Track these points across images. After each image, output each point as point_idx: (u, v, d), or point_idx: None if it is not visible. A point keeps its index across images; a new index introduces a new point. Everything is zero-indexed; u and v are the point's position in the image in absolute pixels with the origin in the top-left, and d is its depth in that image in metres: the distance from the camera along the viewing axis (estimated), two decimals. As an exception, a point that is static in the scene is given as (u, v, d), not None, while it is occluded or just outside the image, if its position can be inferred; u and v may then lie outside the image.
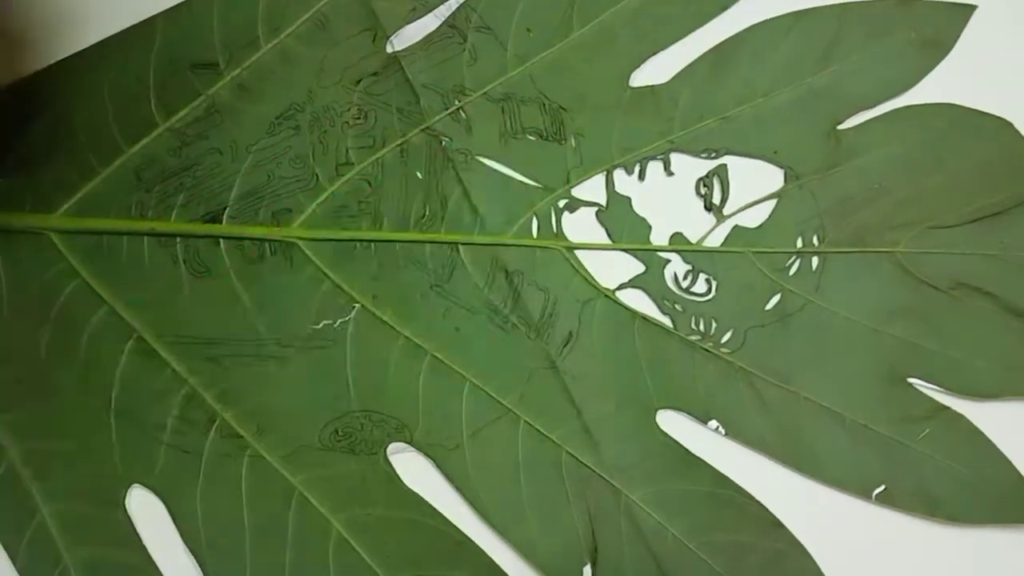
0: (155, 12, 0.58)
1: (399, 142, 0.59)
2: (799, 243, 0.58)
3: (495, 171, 0.59)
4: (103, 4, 0.59)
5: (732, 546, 0.55)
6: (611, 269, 0.59)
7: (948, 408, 0.56)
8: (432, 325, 0.58)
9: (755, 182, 0.59)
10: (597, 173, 0.59)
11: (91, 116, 0.58)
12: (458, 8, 0.60)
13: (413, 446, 0.57)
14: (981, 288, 0.57)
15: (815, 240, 0.58)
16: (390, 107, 0.59)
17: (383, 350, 0.57)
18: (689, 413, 0.57)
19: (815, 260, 0.58)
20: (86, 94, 0.58)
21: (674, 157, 0.59)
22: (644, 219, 0.59)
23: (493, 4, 0.60)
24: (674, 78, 0.59)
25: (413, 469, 0.57)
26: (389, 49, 0.59)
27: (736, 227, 0.59)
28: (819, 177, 0.58)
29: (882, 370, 0.57)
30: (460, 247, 0.58)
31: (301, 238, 0.58)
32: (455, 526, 0.55)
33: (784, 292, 0.58)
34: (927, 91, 0.59)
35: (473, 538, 0.55)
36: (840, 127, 0.59)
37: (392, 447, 0.57)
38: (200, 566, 0.55)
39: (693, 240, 0.59)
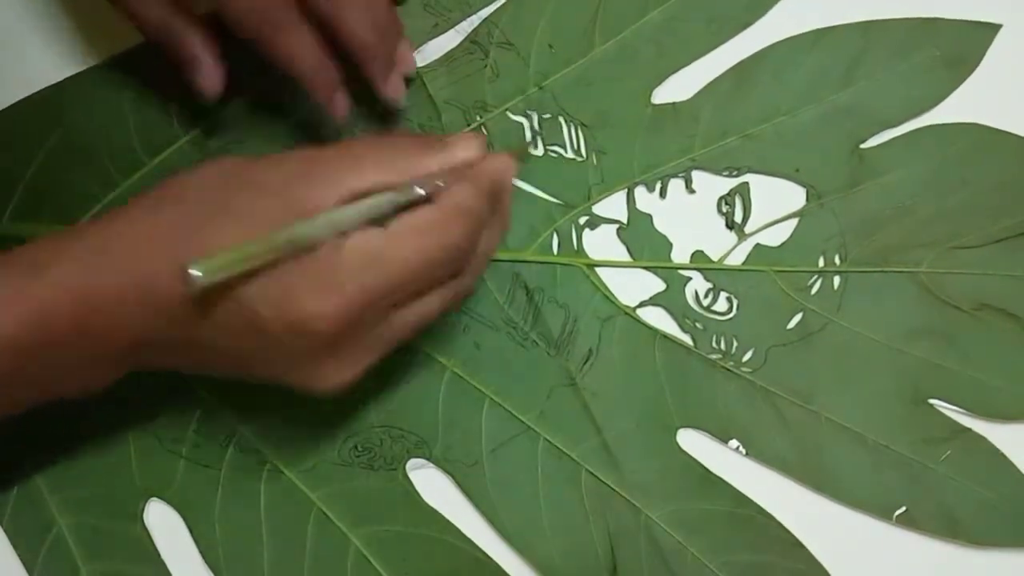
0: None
1: (421, 157, 0.58)
2: (821, 262, 0.58)
3: (516, 187, 0.59)
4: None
5: (752, 566, 0.55)
6: (632, 286, 0.59)
7: (970, 430, 0.56)
8: (452, 341, 0.58)
9: (777, 200, 0.59)
10: (618, 190, 0.59)
11: (112, 128, 0.58)
12: (480, 24, 0.60)
13: (432, 462, 0.56)
14: (1005, 309, 0.57)
15: (837, 259, 0.58)
16: (412, 123, 0.59)
17: (403, 365, 0.57)
18: (709, 432, 0.57)
19: (837, 279, 0.58)
20: (107, 106, 0.58)
21: (696, 175, 0.59)
22: (665, 237, 0.59)
23: (515, 20, 0.60)
24: (696, 95, 0.59)
25: (432, 485, 0.56)
26: (411, 64, 0.59)
27: (758, 245, 0.59)
28: (841, 196, 0.58)
29: (904, 391, 0.56)
30: (481, 263, 0.58)
31: (322, 252, 0.57)
32: (474, 543, 0.55)
33: (806, 311, 0.58)
34: (951, 110, 0.59)
35: (492, 555, 0.55)
36: (863, 146, 0.59)
37: (411, 463, 0.56)
38: (218, 581, 0.55)
39: (714, 258, 0.59)
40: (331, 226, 0.43)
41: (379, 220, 0.45)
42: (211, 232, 0.43)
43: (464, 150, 0.48)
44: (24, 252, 0.44)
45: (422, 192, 0.45)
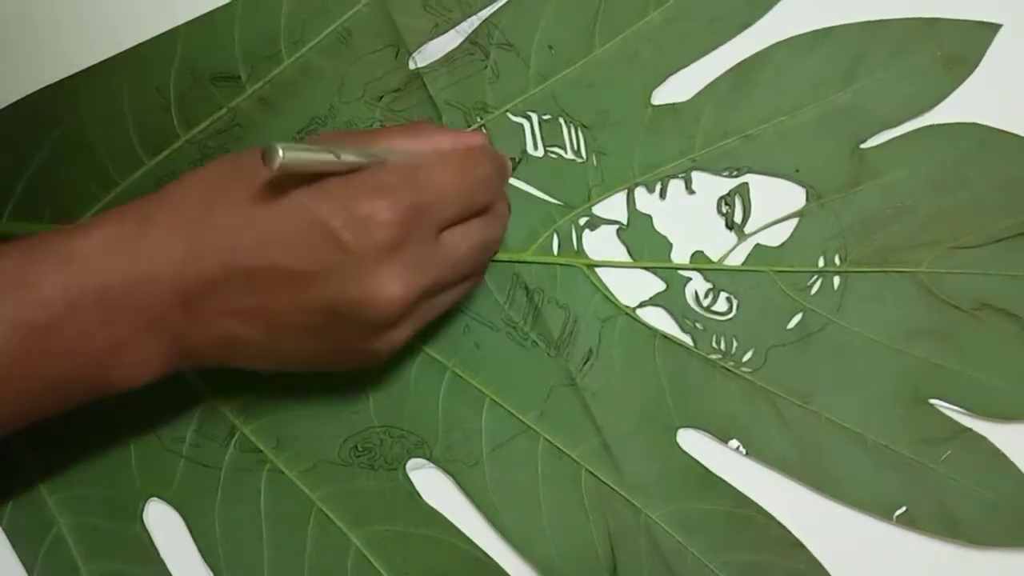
0: (176, 24, 0.58)
1: (421, 158, 0.58)
2: (821, 262, 0.58)
3: (516, 188, 0.59)
4: (123, 15, 0.59)
5: (752, 566, 0.55)
6: (632, 287, 0.59)
7: (970, 429, 0.56)
8: (452, 341, 0.57)
9: (777, 201, 0.59)
10: (618, 191, 0.59)
11: (111, 127, 0.58)
12: (480, 25, 0.60)
13: (432, 462, 0.56)
14: (1005, 309, 0.57)
15: (837, 259, 0.58)
16: (412, 123, 0.59)
17: (403, 365, 0.57)
18: (709, 432, 0.57)
19: (837, 279, 0.58)
20: (106, 105, 0.58)
21: (695, 175, 0.59)
22: (665, 237, 0.59)
23: (515, 21, 0.60)
24: (696, 96, 0.59)
25: (432, 485, 0.56)
26: (411, 65, 0.59)
27: (757, 246, 0.59)
28: (842, 196, 0.58)
29: (904, 391, 0.56)
30: (481, 263, 0.58)
31: (322, 252, 0.57)
32: (474, 543, 0.55)
33: (806, 311, 0.58)
34: (951, 110, 0.59)
35: (492, 555, 0.55)
36: (863, 145, 0.59)
37: (411, 463, 0.56)
38: (218, 581, 0.55)
39: (714, 258, 0.59)
40: (376, 156, 0.47)
41: None
42: (251, 166, 0.45)
43: (474, 136, 0.53)
44: (72, 224, 0.47)
45: None
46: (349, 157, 0.45)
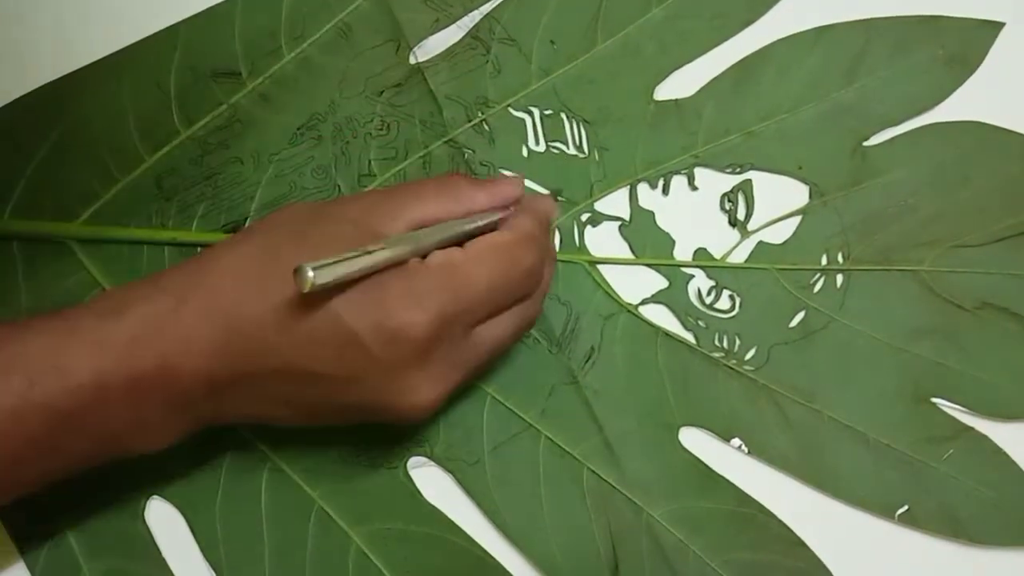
0: (176, 20, 0.58)
1: (422, 154, 0.58)
2: (824, 260, 0.58)
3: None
4: (124, 11, 0.59)
5: (753, 564, 0.55)
6: (634, 284, 0.58)
7: (972, 428, 0.56)
8: (454, 338, 0.57)
9: (780, 198, 0.59)
10: (620, 187, 0.59)
11: (112, 124, 0.57)
12: (482, 20, 0.59)
13: (433, 460, 0.56)
14: (1007, 308, 0.57)
15: (840, 257, 0.58)
16: (413, 118, 0.59)
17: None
18: (712, 430, 0.57)
19: (840, 278, 0.58)
20: (107, 102, 0.57)
21: (698, 172, 0.59)
22: (668, 234, 0.59)
23: (517, 16, 0.59)
24: (698, 92, 0.59)
25: (433, 483, 0.56)
26: (412, 60, 0.59)
27: (760, 243, 0.58)
28: (844, 194, 0.58)
29: (906, 389, 0.56)
30: (482, 260, 0.58)
31: (323, 250, 0.57)
32: (475, 541, 0.55)
33: (808, 309, 0.58)
34: (953, 109, 0.59)
35: (493, 554, 0.55)
36: (866, 143, 0.59)
37: (412, 461, 0.56)
38: (219, 579, 0.55)
39: (717, 256, 0.59)
40: (415, 243, 0.47)
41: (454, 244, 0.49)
42: (288, 257, 0.44)
43: (509, 188, 0.52)
44: (106, 298, 0.47)
45: (493, 219, 0.50)
46: (383, 255, 0.45)
